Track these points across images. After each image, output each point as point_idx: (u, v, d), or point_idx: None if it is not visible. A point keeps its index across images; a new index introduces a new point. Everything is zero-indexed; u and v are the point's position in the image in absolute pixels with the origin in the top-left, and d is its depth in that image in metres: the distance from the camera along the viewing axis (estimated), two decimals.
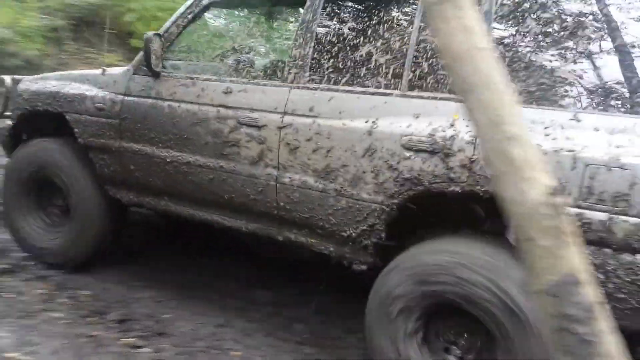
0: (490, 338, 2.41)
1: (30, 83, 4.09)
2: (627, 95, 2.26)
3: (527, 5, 2.43)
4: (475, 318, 2.41)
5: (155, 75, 3.51)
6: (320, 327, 3.67)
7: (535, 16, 2.38)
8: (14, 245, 4.34)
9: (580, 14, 2.35)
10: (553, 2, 2.40)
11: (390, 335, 2.61)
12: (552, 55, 2.38)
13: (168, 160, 3.47)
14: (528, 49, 2.40)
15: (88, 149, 3.82)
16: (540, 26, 2.36)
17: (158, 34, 3.50)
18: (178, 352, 3.33)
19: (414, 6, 2.77)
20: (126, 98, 3.63)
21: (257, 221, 3.29)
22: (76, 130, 3.80)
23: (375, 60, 2.86)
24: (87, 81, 3.84)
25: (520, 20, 2.41)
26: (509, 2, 2.49)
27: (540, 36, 2.36)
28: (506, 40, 2.42)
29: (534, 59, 2.41)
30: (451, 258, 2.45)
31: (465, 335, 2.58)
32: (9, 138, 4.17)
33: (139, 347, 3.33)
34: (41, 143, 3.99)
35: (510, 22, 2.45)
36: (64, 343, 3.23)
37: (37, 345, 3.16)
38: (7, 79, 4.23)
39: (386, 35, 2.86)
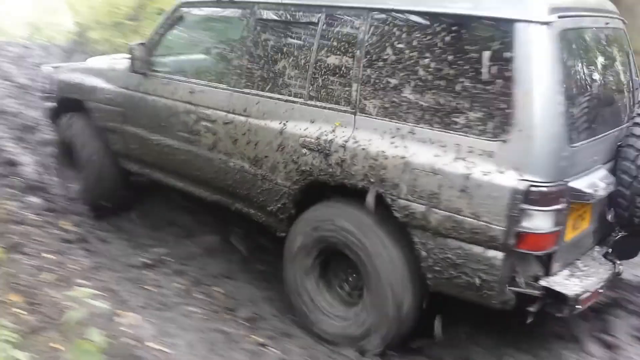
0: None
1: (64, 74, 5.17)
2: (444, 114, 2.94)
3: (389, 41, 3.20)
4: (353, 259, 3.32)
5: (143, 74, 4.42)
6: None
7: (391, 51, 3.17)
8: (155, 240, 4.66)
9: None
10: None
11: (294, 269, 3.59)
12: (398, 79, 3.12)
13: (155, 142, 4.40)
14: (386, 74, 3.18)
15: (102, 129, 4.82)
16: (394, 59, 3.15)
17: (142, 43, 4.46)
18: (303, 354, 3.34)
19: (314, 31, 3.46)
20: (126, 91, 4.56)
21: (217, 194, 4.18)
22: (93, 115, 4.84)
23: (288, 74, 3.59)
24: (101, 75, 4.80)
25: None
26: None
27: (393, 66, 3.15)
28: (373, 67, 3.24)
29: (390, 82, 3.15)
30: (334, 211, 3.39)
31: (354, 275, 3.47)
32: (53, 114, 5.29)
33: (267, 346, 3.39)
34: (71, 118, 5.03)
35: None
36: (199, 336, 3.37)
37: (174, 337, 3.32)
38: (49, 67, 5.41)
39: (295, 53, 3.57)
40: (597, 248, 3.36)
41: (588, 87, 3.10)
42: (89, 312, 3.30)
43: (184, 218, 5.08)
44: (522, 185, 2.69)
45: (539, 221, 2.74)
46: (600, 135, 3.14)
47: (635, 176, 3.14)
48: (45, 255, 4.02)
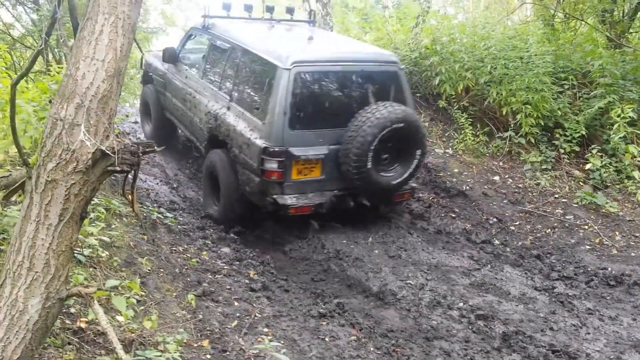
0: None
1: (149, 57, 8.48)
2: (252, 107, 5.79)
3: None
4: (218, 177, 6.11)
5: (172, 64, 7.45)
6: None
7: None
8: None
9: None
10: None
11: (204, 181, 6.38)
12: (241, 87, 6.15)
13: (174, 102, 7.34)
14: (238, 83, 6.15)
15: (157, 92, 7.95)
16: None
17: (172, 47, 7.55)
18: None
19: (225, 55, 6.46)
20: (166, 71, 7.61)
21: (191, 135, 7.02)
22: (154, 83, 8.07)
23: (215, 74, 6.67)
24: (158, 59, 7.82)
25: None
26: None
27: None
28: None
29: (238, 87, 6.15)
30: (215, 152, 6.08)
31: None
32: (145, 80, 8.57)
33: None
34: (147, 87, 8.37)
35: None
36: None
37: None
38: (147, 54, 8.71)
39: (218, 65, 6.66)
40: (337, 191, 5.74)
41: (311, 104, 5.59)
42: None
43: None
44: (264, 146, 5.38)
45: (270, 164, 5.39)
46: (318, 129, 5.58)
47: (346, 154, 5.48)
48: (233, 302, 4.29)
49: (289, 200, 5.46)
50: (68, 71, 2.66)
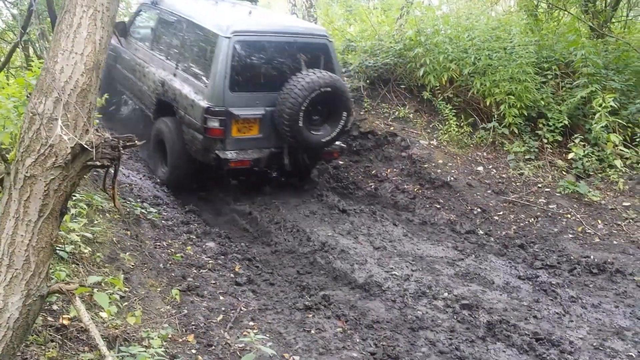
0: None
1: None
2: (196, 74, 6.51)
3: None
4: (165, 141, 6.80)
5: (124, 37, 8.03)
6: None
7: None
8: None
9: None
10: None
11: (153, 147, 6.97)
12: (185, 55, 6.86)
13: (128, 76, 7.89)
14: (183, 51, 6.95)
15: (108, 65, 7.97)
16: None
17: (123, 21, 8.29)
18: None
19: (174, 27, 7.17)
20: (117, 44, 8.04)
21: (140, 104, 7.60)
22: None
23: (164, 45, 7.28)
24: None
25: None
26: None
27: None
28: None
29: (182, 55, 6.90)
30: (163, 119, 6.78)
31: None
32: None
33: None
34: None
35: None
36: None
37: None
38: None
39: (167, 36, 7.31)
40: (274, 149, 6.43)
41: (249, 70, 6.32)
42: (258, 356, 3.41)
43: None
44: (206, 106, 6.04)
45: (212, 123, 6.03)
46: (256, 92, 6.28)
47: (280, 114, 6.17)
48: (218, 297, 4.28)
49: (230, 154, 6.11)
50: (46, 65, 2.62)
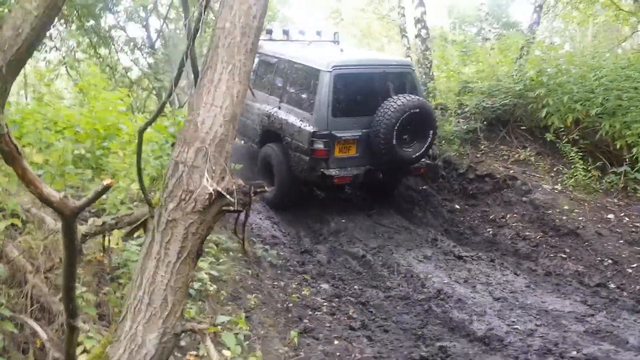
0: None
1: None
2: (300, 104, 7.46)
3: None
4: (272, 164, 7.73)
5: None
6: None
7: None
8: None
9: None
10: None
11: (260, 169, 7.87)
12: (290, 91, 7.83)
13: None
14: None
15: None
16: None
17: None
18: None
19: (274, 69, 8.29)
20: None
21: (254, 139, 8.27)
22: None
23: (270, 86, 8.13)
24: None
25: None
26: None
27: None
28: None
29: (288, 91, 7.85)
30: (270, 145, 7.67)
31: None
32: None
33: None
34: None
35: None
36: None
37: None
38: None
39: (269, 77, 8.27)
40: (369, 167, 7.18)
41: (347, 98, 7.15)
42: None
43: None
44: (312, 130, 6.90)
45: (318, 145, 6.89)
46: (354, 117, 7.11)
47: (375, 134, 6.98)
48: (333, 341, 4.29)
49: (333, 172, 6.96)
50: (189, 117, 2.84)
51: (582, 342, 4.57)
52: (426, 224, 7.25)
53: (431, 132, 7.19)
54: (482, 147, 8.77)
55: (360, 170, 7.08)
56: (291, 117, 7.27)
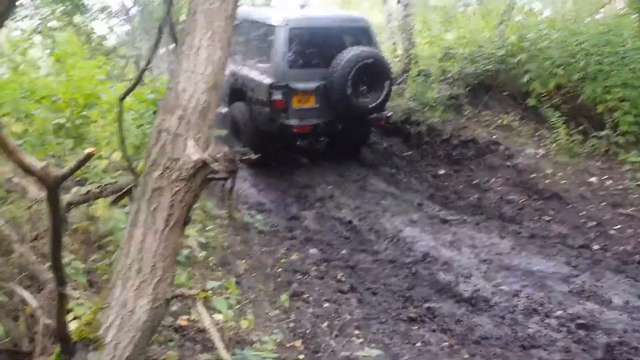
0: None
1: None
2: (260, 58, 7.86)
3: None
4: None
5: None
6: None
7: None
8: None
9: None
10: None
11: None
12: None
13: None
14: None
15: None
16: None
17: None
18: None
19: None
20: None
21: (223, 98, 7.84)
22: None
23: None
24: None
25: None
26: None
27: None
28: None
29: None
30: (236, 104, 7.96)
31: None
32: None
33: None
34: None
35: None
36: None
37: None
38: None
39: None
40: (329, 117, 7.49)
41: (303, 51, 7.51)
42: None
43: None
44: (270, 82, 7.21)
45: (276, 96, 7.15)
46: (311, 69, 7.47)
47: (331, 85, 7.28)
48: (323, 303, 4.32)
49: (292, 122, 7.26)
50: (170, 85, 2.78)
51: (566, 302, 4.66)
52: (411, 189, 7.28)
53: (387, 82, 7.45)
54: (465, 113, 8.78)
55: (319, 121, 7.37)
56: (252, 72, 7.55)
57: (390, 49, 13.52)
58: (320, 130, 7.53)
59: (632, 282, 5.03)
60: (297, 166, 7.84)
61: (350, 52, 7.21)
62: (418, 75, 9.87)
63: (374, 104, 7.41)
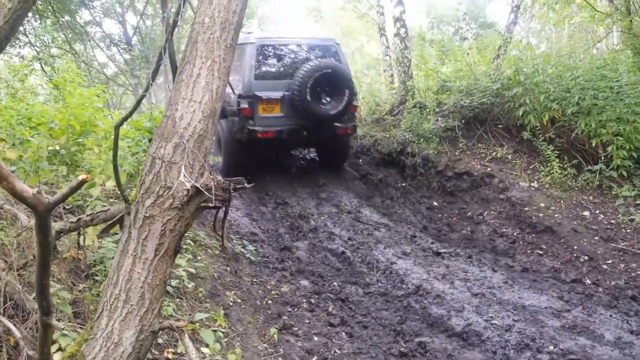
0: None
1: None
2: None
3: None
4: None
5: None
6: None
7: None
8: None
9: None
10: None
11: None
12: None
13: None
14: None
15: None
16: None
17: None
18: None
19: None
20: None
21: None
22: None
23: None
24: None
25: None
26: None
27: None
28: None
29: None
30: (220, 122, 8.32)
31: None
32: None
33: None
34: None
35: None
36: None
37: None
38: None
39: None
40: (294, 125, 8.12)
41: (270, 65, 8.37)
42: None
43: None
44: (239, 93, 8.02)
45: (243, 105, 7.95)
46: (276, 80, 8.18)
47: (293, 92, 7.90)
48: (313, 337, 4.27)
49: (257, 128, 7.92)
50: (167, 112, 2.79)
51: (558, 337, 4.63)
52: (405, 220, 7.28)
53: (347, 91, 8.01)
54: (460, 145, 8.83)
55: (283, 127, 8.01)
56: (229, 89, 8.06)
57: (387, 81, 13.70)
58: (284, 136, 8.04)
59: (623, 317, 5.00)
60: (293, 196, 7.85)
61: (311, 63, 7.90)
62: (414, 107, 9.98)
63: (334, 111, 7.99)
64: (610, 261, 6.02)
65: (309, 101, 7.79)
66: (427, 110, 9.84)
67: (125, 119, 3.43)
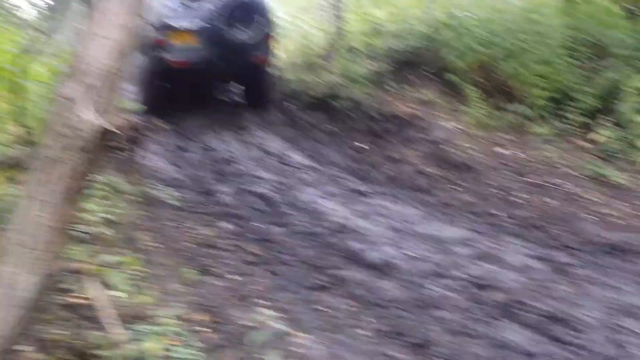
0: None
1: None
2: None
3: None
4: None
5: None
6: None
7: None
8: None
9: None
10: None
11: None
12: None
13: None
14: None
15: None
16: None
17: None
18: None
19: None
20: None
21: None
22: None
23: None
24: None
25: None
26: None
27: None
28: None
29: None
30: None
31: None
32: None
33: None
34: None
35: None
36: None
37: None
38: None
39: None
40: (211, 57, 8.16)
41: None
42: (270, 333, 3.48)
43: None
44: (154, 25, 7.71)
45: (158, 36, 7.85)
46: (191, 10, 8.14)
47: (210, 20, 8.02)
48: (231, 277, 4.38)
49: (169, 57, 7.99)
50: (76, 50, 2.67)
51: (470, 264, 4.91)
52: (332, 163, 7.40)
53: (262, 20, 8.23)
54: (390, 89, 8.94)
55: (199, 59, 8.08)
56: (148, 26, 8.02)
57: (321, 25, 13.53)
58: (200, 66, 8.11)
59: (530, 245, 5.34)
60: (218, 141, 7.82)
61: None
62: (347, 50, 9.97)
63: (247, 39, 8.12)
64: (521, 195, 6.36)
65: (223, 30, 7.92)
66: (359, 54, 9.86)
67: (28, 50, 3.26)
